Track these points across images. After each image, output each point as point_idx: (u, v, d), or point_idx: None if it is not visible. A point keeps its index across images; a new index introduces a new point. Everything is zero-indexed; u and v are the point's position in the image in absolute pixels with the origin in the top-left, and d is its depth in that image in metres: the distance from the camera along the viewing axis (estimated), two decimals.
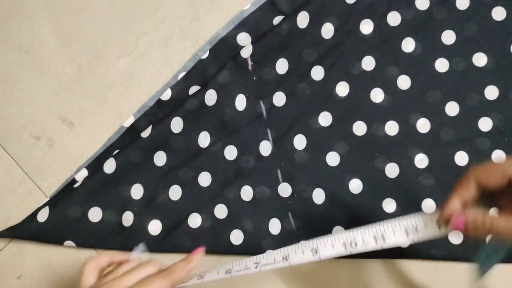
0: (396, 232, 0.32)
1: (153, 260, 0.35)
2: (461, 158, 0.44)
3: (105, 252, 0.38)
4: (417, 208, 0.44)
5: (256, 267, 0.33)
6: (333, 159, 0.45)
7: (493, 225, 0.29)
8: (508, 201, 0.29)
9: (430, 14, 0.45)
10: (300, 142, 0.45)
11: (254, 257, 0.34)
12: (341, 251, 0.33)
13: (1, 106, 0.46)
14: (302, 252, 0.34)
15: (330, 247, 0.33)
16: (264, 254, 0.34)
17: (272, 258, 0.34)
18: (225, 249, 0.45)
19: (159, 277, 0.34)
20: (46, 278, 0.46)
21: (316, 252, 0.33)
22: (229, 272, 0.34)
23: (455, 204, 0.30)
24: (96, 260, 0.36)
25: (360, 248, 0.33)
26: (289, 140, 0.45)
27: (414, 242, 0.32)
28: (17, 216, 0.46)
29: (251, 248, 0.45)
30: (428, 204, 0.44)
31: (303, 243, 0.34)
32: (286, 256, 0.34)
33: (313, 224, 0.45)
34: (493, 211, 0.31)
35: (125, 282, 0.34)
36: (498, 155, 0.44)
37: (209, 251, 0.45)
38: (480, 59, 0.44)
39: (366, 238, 0.33)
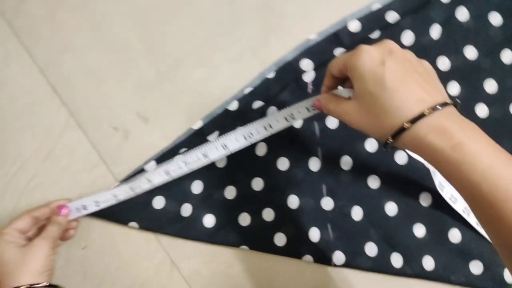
0: (279, 119, 0.45)
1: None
2: None
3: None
4: (443, 236, 0.49)
5: (186, 165, 0.46)
6: (374, 182, 0.50)
7: (326, 109, 0.39)
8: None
9: (476, 63, 0.50)
10: (346, 163, 0.51)
11: (183, 156, 0.47)
12: (243, 143, 0.46)
13: (88, 98, 0.53)
14: (216, 149, 0.46)
15: (235, 141, 0.46)
16: (188, 153, 0.47)
17: (195, 156, 0.47)
18: (268, 248, 0.51)
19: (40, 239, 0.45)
20: (108, 252, 0.52)
21: (226, 146, 0.46)
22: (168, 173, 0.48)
23: (323, 89, 0.40)
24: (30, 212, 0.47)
25: (256, 137, 0.46)
26: (337, 159, 0.51)
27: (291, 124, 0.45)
28: (89, 194, 0.52)
29: (291, 250, 0.50)
30: (454, 234, 0.50)
31: (214, 142, 0.46)
32: (205, 154, 0.47)
33: (349, 238, 0.50)
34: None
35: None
36: None
37: (254, 248, 0.51)
38: None
39: (258, 128, 0.45)
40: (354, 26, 0.51)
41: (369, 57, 0.33)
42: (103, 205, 0.49)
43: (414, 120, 0.31)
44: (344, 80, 0.38)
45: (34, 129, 0.53)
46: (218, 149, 0.46)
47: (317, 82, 0.50)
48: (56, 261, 0.51)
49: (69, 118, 0.53)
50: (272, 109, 0.51)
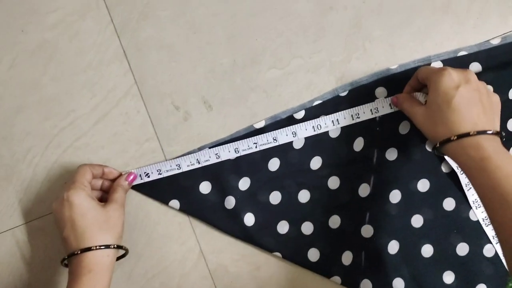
0: (346, 116, 0.51)
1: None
2: None
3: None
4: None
5: (256, 146, 0.51)
6: (417, 221, 0.51)
7: (400, 107, 0.48)
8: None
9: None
10: (395, 196, 0.51)
11: (254, 138, 0.51)
12: (310, 132, 0.50)
13: (157, 70, 0.52)
14: (286, 134, 0.50)
15: (304, 129, 0.50)
16: (259, 136, 0.51)
17: (265, 139, 0.50)
18: (300, 260, 0.51)
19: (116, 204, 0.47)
20: (139, 227, 0.52)
21: (295, 134, 0.50)
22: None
23: (406, 89, 0.49)
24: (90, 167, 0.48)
25: (324, 130, 0.50)
26: (387, 191, 0.51)
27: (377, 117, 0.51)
28: (134, 166, 0.52)
29: (322, 268, 0.51)
30: None
31: (286, 129, 0.51)
32: (276, 138, 0.50)
33: (379, 269, 0.51)
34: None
35: (68, 184, 0.46)
36: None
37: (286, 257, 0.51)
38: None
39: (327, 122, 0.50)
40: (437, 65, 0.51)
41: (449, 78, 0.42)
42: (165, 174, 0.50)
43: (460, 136, 0.40)
44: (424, 86, 0.47)
45: (95, 88, 0.52)
46: (287, 135, 0.51)
47: (387, 115, 0.50)
48: None
49: (132, 86, 0.52)
50: (336, 127, 0.51)
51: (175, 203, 0.50)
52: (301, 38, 0.52)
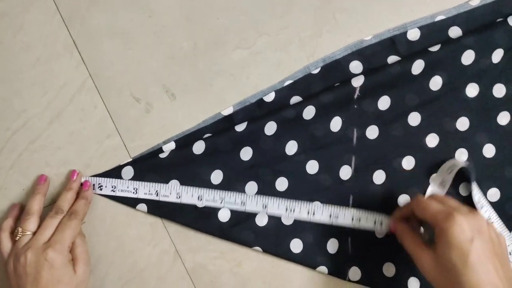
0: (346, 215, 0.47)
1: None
2: None
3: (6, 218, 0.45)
4: None
5: (222, 202, 0.47)
6: (404, 201, 0.48)
7: (401, 240, 0.43)
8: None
9: None
10: (378, 177, 0.48)
11: (222, 193, 0.47)
12: (282, 213, 0.47)
13: (112, 60, 0.48)
14: (255, 205, 0.47)
15: (276, 207, 0.47)
16: (229, 193, 0.47)
17: (233, 199, 0.47)
18: (282, 253, 0.48)
19: (70, 220, 0.43)
20: (108, 232, 0.49)
21: (265, 207, 0.47)
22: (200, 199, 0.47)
23: (397, 215, 0.45)
24: (6, 225, 0.44)
25: (297, 215, 0.47)
26: (370, 172, 0.48)
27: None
28: (96, 166, 0.49)
29: (306, 259, 0.48)
30: None
31: (256, 197, 0.48)
32: (244, 202, 0.47)
33: (368, 255, 0.48)
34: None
35: (44, 237, 0.42)
36: None
37: (268, 251, 0.48)
38: None
39: (302, 208, 0.47)
40: (414, 35, 0.48)
41: (461, 230, 0.37)
42: (118, 193, 0.47)
43: None
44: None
45: (46, 85, 0.48)
46: (257, 205, 0.48)
47: (365, 88, 0.47)
48: None
49: (87, 79, 0.48)
50: (310, 108, 0.47)
51: (142, 206, 0.47)
52: (267, 14, 0.49)
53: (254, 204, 0.47)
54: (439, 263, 0.38)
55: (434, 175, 0.48)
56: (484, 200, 0.48)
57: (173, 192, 0.47)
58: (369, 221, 0.47)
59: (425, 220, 0.40)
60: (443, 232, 0.37)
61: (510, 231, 0.49)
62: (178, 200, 0.47)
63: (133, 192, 0.47)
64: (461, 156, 0.49)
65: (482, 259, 0.36)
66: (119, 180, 0.47)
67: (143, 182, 0.47)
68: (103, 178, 0.47)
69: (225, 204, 0.47)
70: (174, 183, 0.47)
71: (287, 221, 0.48)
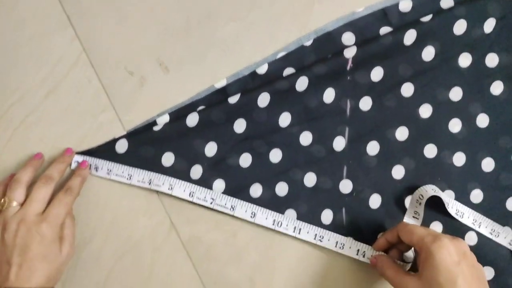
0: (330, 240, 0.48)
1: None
2: None
3: None
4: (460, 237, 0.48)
5: (212, 203, 0.47)
6: (398, 172, 0.49)
7: (382, 272, 0.43)
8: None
9: None
10: (373, 148, 0.49)
11: (213, 192, 0.48)
12: (269, 224, 0.47)
13: (104, 36, 0.49)
14: (245, 211, 0.48)
15: (264, 217, 0.47)
16: (219, 196, 0.48)
17: (224, 202, 0.47)
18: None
19: (65, 196, 0.43)
20: (103, 204, 0.49)
21: (254, 215, 0.47)
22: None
23: (381, 243, 0.45)
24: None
25: (283, 230, 0.47)
26: (363, 143, 0.49)
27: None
28: (91, 140, 0.49)
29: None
30: (471, 237, 0.49)
31: (245, 205, 0.48)
32: (234, 206, 0.48)
33: (362, 225, 0.49)
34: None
35: (35, 208, 0.41)
36: None
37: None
38: None
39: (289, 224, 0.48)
40: (405, 6, 0.48)
41: (448, 253, 0.38)
42: (113, 177, 0.47)
43: None
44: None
45: (41, 60, 0.49)
46: (246, 212, 0.48)
47: (358, 60, 0.48)
48: None
49: (81, 54, 0.49)
50: (303, 79, 0.48)
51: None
52: None
53: (244, 210, 0.48)
54: (424, 285, 0.38)
55: (407, 209, 0.48)
56: (463, 207, 0.48)
57: (166, 182, 0.47)
58: (352, 250, 0.48)
59: (410, 244, 0.41)
60: (431, 255, 0.38)
61: (504, 225, 0.49)
62: (169, 192, 0.47)
63: (127, 178, 0.48)
64: (455, 127, 0.49)
65: (469, 282, 0.37)
66: (114, 164, 0.47)
67: (137, 169, 0.48)
68: (99, 160, 0.47)
69: (215, 206, 0.47)
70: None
71: (281, 192, 0.49)
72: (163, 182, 0.47)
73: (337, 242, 0.48)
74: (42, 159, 0.47)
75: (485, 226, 0.48)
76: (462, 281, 0.37)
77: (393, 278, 0.41)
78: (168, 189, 0.47)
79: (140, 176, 0.48)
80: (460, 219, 0.48)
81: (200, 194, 0.47)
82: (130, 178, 0.48)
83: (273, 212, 0.48)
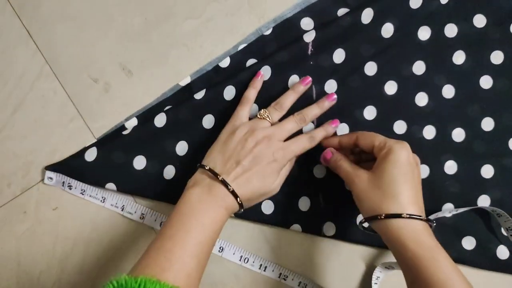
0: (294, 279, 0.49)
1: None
2: (487, 171, 0.49)
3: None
4: (437, 210, 0.49)
5: None
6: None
7: (338, 164, 0.44)
8: (369, 164, 0.43)
9: (485, 32, 0.49)
10: (342, 130, 0.49)
11: None
12: (236, 261, 0.49)
13: (66, 44, 0.49)
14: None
15: (231, 253, 0.49)
16: None
17: None
18: (255, 216, 0.49)
19: (306, 140, 0.45)
20: (81, 214, 0.49)
21: (222, 250, 0.49)
22: None
23: (334, 140, 0.46)
24: (252, 96, 0.47)
25: (249, 267, 0.49)
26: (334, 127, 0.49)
27: None
28: (63, 151, 0.49)
29: (279, 219, 0.49)
30: (448, 208, 0.49)
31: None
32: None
33: (341, 209, 0.49)
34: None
35: (282, 135, 0.45)
36: None
37: (241, 217, 0.49)
38: None
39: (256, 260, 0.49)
40: None
41: (407, 153, 0.40)
42: (87, 198, 0.49)
43: (411, 216, 0.38)
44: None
45: (4, 76, 0.49)
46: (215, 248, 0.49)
47: (318, 43, 0.48)
48: (24, 222, 0.49)
49: (44, 66, 0.49)
50: (266, 68, 0.48)
51: (111, 185, 0.48)
52: None
53: (216, 248, 0.49)
54: (377, 178, 0.40)
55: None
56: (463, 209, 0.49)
57: (138, 211, 0.49)
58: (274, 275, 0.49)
59: (369, 148, 0.42)
60: (392, 152, 0.40)
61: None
62: (141, 221, 0.49)
63: (101, 201, 0.49)
64: (421, 101, 0.49)
65: (416, 182, 0.40)
66: (88, 186, 0.48)
67: (112, 193, 0.49)
68: (73, 180, 0.48)
69: None
70: (141, 205, 0.49)
71: None
72: (135, 211, 0.49)
73: (300, 282, 0.49)
74: (309, 81, 0.48)
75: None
76: (411, 178, 0.40)
77: (347, 169, 0.43)
78: (140, 218, 0.49)
79: (113, 200, 0.49)
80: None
81: None
82: (103, 201, 0.49)
83: (241, 249, 0.49)
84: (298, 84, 0.47)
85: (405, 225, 0.38)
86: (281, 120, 0.46)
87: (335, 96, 0.47)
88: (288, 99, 0.46)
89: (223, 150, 0.43)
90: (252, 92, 0.47)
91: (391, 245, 0.39)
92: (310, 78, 0.47)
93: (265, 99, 0.49)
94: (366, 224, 0.42)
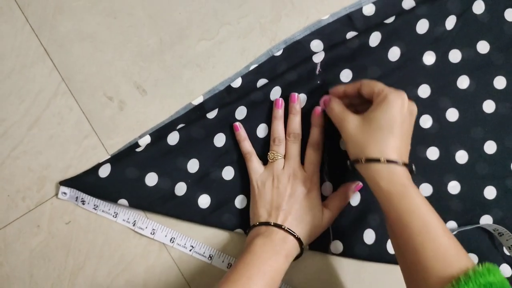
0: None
1: None
2: (490, 192, 0.51)
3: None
4: None
5: (191, 250, 0.52)
6: None
7: (331, 106, 0.46)
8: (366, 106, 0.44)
9: (488, 58, 0.51)
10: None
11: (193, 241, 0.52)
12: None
13: (83, 63, 0.51)
14: (221, 262, 0.51)
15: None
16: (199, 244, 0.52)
17: (202, 251, 0.52)
18: None
19: (315, 154, 0.49)
20: (93, 228, 0.51)
21: (230, 265, 0.51)
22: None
23: (339, 89, 0.47)
24: (251, 148, 0.50)
25: None
26: (336, 143, 0.51)
27: None
28: (77, 167, 0.51)
29: None
30: (451, 227, 0.51)
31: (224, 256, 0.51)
32: (211, 256, 0.51)
33: (347, 226, 0.51)
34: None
35: (297, 163, 0.48)
36: None
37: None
38: None
39: None
40: (369, 10, 0.51)
41: (402, 103, 0.42)
42: (99, 213, 0.51)
43: (389, 161, 0.41)
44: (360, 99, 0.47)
45: (22, 93, 0.51)
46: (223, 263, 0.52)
47: (326, 64, 0.50)
48: (38, 236, 0.51)
49: (60, 84, 0.52)
50: (276, 89, 0.50)
51: (123, 201, 0.50)
52: (226, 4, 0.52)
53: (221, 261, 0.52)
54: (366, 124, 0.42)
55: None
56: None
57: (149, 226, 0.51)
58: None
59: (370, 95, 0.44)
60: (387, 100, 0.42)
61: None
62: (151, 236, 0.51)
63: (113, 216, 0.51)
64: (426, 123, 0.51)
65: (403, 132, 0.42)
66: (101, 201, 0.51)
67: (124, 208, 0.51)
68: (87, 196, 0.50)
69: (194, 253, 0.51)
70: (152, 221, 0.51)
71: None
72: (146, 226, 0.51)
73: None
74: (282, 105, 0.50)
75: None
76: (398, 128, 0.41)
77: (338, 112, 0.45)
78: (151, 233, 0.51)
79: (125, 215, 0.51)
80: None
81: (181, 240, 0.51)
82: (116, 216, 0.51)
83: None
84: (275, 110, 0.50)
85: (382, 168, 0.41)
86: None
87: (297, 95, 0.50)
88: (279, 129, 0.49)
89: (262, 205, 0.47)
90: (246, 144, 0.50)
91: (371, 187, 0.42)
92: (281, 100, 0.50)
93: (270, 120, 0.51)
94: None
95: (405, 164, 0.41)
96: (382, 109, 0.42)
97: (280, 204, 0.46)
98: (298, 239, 0.45)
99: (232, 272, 0.42)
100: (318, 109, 0.49)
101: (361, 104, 0.47)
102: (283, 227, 0.44)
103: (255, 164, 0.49)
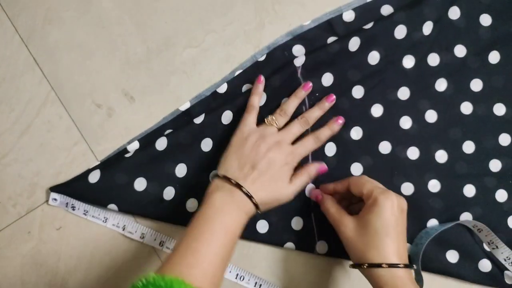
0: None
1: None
2: (469, 190, 0.53)
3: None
4: (422, 226, 0.53)
5: None
6: (357, 169, 0.53)
7: (326, 208, 0.48)
8: (359, 205, 0.47)
9: (465, 62, 0.54)
10: (330, 149, 0.53)
11: None
12: (231, 278, 0.53)
13: (72, 71, 0.53)
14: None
15: (228, 271, 0.52)
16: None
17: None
18: (250, 235, 0.52)
19: (312, 142, 0.50)
20: (84, 234, 0.53)
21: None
22: None
23: (328, 187, 0.51)
24: (257, 104, 0.50)
25: (245, 284, 0.52)
26: (321, 145, 0.52)
27: None
28: (67, 173, 0.53)
29: (273, 237, 0.53)
30: (432, 224, 0.53)
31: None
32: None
33: (332, 227, 0.52)
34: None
35: (290, 138, 0.49)
36: (501, 194, 0.53)
37: None
38: (500, 109, 0.54)
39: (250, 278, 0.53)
40: (349, 16, 0.53)
41: (391, 205, 0.44)
42: (90, 218, 0.52)
43: (391, 265, 0.42)
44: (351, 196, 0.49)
45: (12, 102, 0.53)
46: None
47: (307, 67, 0.52)
48: (29, 242, 0.52)
49: (50, 92, 0.53)
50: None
51: (113, 206, 0.51)
52: (211, 12, 0.54)
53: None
54: (362, 228, 0.44)
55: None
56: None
57: (138, 230, 0.52)
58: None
59: (359, 195, 0.46)
60: (377, 203, 0.44)
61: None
62: (141, 240, 0.52)
63: (103, 221, 0.52)
64: (405, 124, 0.53)
65: (398, 233, 0.44)
66: (91, 206, 0.52)
67: (113, 213, 0.52)
68: (77, 201, 0.52)
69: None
70: (141, 225, 0.53)
71: None
72: (136, 230, 0.52)
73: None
74: (310, 86, 0.52)
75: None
76: (393, 230, 0.43)
77: (335, 214, 0.47)
78: (140, 237, 0.52)
79: (115, 220, 0.52)
80: (507, 266, 0.52)
81: (170, 244, 0.52)
82: (105, 221, 0.52)
83: (237, 267, 0.53)
84: (299, 90, 0.51)
85: (385, 272, 0.42)
86: (286, 124, 0.50)
87: (334, 97, 0.51)
88: (291, 105, 0.51)
89: (237, 156, 0.46)
90: (256, 99, 0.51)
91: None
92: (310, 84, 0.51)
93: (260, 123, 0.52)
94: None
95: (406, 265, 0.43)
96: (374, 212, 0.43)
97: (256, 164, 0.45)
98: (255, 205, 0.44)
99: (192, 227, 0.41)
100: (318, 196, 0.51)
101: (353, 197, 0.49)
102: (243, 190, 0.44)
103: (251, 118, 0.49)
